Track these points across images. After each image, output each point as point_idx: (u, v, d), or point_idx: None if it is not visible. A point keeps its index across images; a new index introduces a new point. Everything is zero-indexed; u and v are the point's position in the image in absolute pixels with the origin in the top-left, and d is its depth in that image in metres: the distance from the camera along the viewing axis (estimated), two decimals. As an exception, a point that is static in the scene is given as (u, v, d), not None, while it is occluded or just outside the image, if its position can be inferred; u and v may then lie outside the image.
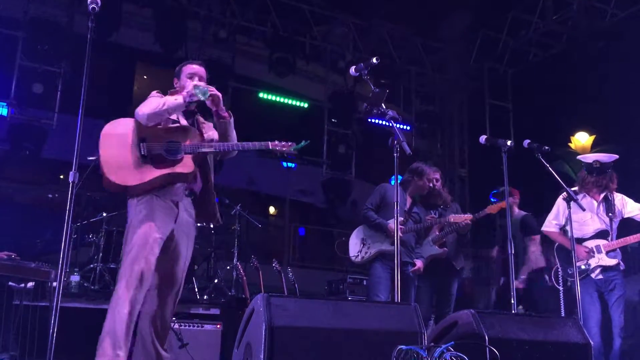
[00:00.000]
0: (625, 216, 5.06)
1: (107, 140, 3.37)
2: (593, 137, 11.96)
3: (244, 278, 6.18)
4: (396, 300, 3.14)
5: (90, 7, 3.06)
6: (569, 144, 12.32)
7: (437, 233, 5.35)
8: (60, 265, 2.74)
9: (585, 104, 9.24)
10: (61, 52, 7.87)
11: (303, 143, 3.61)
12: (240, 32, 9.69)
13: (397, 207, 3.41)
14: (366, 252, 5.03)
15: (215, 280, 6.85)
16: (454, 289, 5.52)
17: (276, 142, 3.64)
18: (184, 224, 3.49)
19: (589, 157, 5.16)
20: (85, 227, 6.49)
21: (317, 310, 2.63)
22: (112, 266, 6.19)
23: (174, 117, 3.54)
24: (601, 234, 4.93)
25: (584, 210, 4.66)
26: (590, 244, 4.89)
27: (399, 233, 4.81)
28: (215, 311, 5.85)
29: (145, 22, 8.85)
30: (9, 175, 8.28)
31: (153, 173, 3.34)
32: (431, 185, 5.24)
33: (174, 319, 5.02)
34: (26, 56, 7.78)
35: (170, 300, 3.45)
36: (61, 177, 9.23)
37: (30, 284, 4.39)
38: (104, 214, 6.49)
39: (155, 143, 3.42)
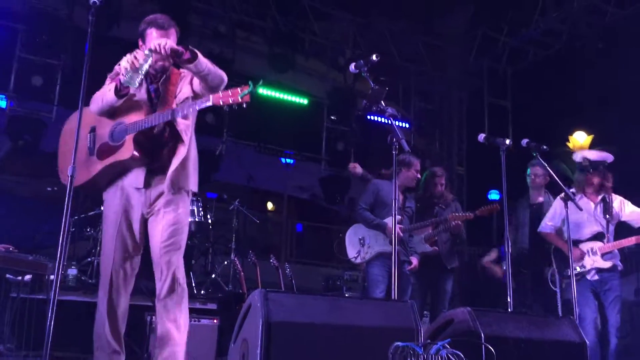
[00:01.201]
0: (623, 219, 5.05)
1: (63, 139, 3.28)
2: (591, 136, 11.96)
3: (242, 273, 6.19)
4: (393, 297, 3.15)
5: (91, 0, 3.05)
6: (567, 144, 12.33)
7: (430, 231, 5.35)
8: (58, 259, 2.74)
9: (584, 103, 9.25)
10: (61, 45, 7.86)
11: (250, 88, 2.94)
12: (240, 27, 9.67)
13: (394, 205, 3.42)
14: (366, 253, 5.00)
15: (213, 275, 6.86)
16: (449, 286, 5.50)
17: (219, 94, 2.99)
18: (160, 203, 3.20)
19: (578, 155, 5.17)
20: (83, 220, 6.49)
21: (314, 306, 2.64)
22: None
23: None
24: (597, 236, 4.91)
25: (581, 210, 4.66)
26: (586, 246, 4.89)
27: (399, 233, 4.85)
28: (212, 306, 5.86)
29: (144, 16, 8.82)
30: (8, 168, 8.27)
31: (96, 166, 3.17)
32: (419, 176, 5.23)
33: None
34: (25, 48, 7.75)
35: None
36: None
37: (27, 277, 4.39)
38: (102, 208, 6.47)
39: (104, 129, 3.24)
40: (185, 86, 3.33)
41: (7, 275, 4.25)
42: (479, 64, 10.71)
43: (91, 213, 6.52)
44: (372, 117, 9.84)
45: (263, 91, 9.65)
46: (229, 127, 8.97)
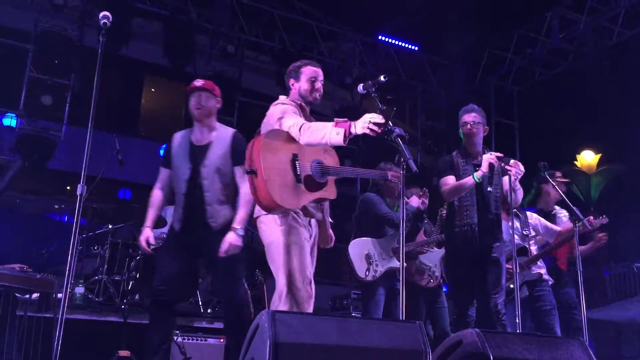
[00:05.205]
0: (541, 235, 5.07)
1: (266, 155, 3.19)
2: (599, 155, 11.96)
3: (248, 292, 6.16)
4: (401, 318, 3.13)
5: (102, 22, 3.07)
6: (575, 162, 12.31)
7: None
8: (66, 277, 2.75)
9: (591, 122, 9.27)
10: (70, 65, 7.97)
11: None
12: (248, 47, 9.79)
13: (402, 224, 3.40)
14: (375, 271, 4.97)
15: (220, 294, 6.84)
16: (445, 300, 5.41)
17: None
18: (314, 241, 3.50)
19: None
20: (91, 238, 6.51)
21: (321, 327, 2.63)
22: (116, 278, 6.19)
23: None
24: (520, 252, 4.85)
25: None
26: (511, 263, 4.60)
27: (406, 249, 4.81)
28: (219, 325, 5.84)
29: (154, 36, 8.95)
30: (17, 186, 8.35)
31: (307, 196, 3.28)
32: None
33: (177, 332, 5.02)
34: (36, 68, 7.87)
35: None
36: (68, 188, 9.28)
37: (35, 295, 4.40)
38: (110, 226, 6.50)
39: (305, 161, 3.33)
40: None
41: (15, 294, 4.26)
42: (485, 82, 10.76)
43: (99, 231, 6.55)
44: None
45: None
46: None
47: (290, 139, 3.30)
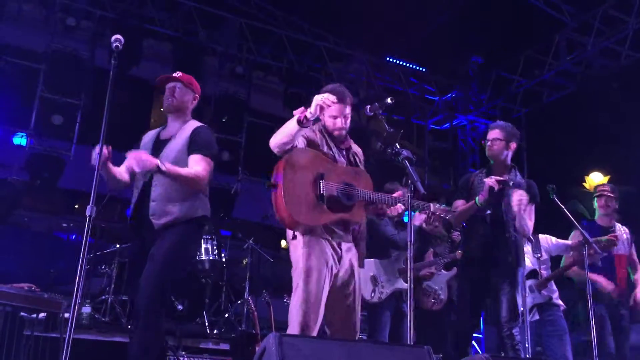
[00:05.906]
0: (554, 254, 5.09)
1: (289, 171, 3.26)
2: (607, 177, 11.89)
3: (255, 313, 6.14)
4: (409, 342, 3.10)
5: (114, 45, 3.12)
6: (583, 184, 12.25)
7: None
8: (74, 297, 2.75)
9: (599, 144, 9.23)
10: (81, 85, 8.04)
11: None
12: (256, 68, 9.86)
13: (410, 246, 3.38)
14: (381, 292, 4.93)
15: (226, 315, 6.81)
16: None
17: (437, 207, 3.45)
18: (347, 265, 3.40)
19: None
20: (98, 257, 6.51)
21: (329, 351, 2.61)
22: (123, 298, 6.19)
23: (327, 150, 3.49)
24: (531, 274, 4.90)
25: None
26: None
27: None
28: (225, 346, 5.81)
29: (164, 57, 9.03)
30: (26, 204, 8.38)
31: (327, 216, 3.28)
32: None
33: (183, 353, 5.01)
34: (47, 88, 7.94)
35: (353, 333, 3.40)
36: (76, 206, 9.31)
37: (42, 315, 4.39)
38: (118, 246, 6.51)
39: (332, 182, 3.34)
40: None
41: (22, 313, 4.25)
42: (493, 104, 10.77)
43: (106, 250, 6.55)
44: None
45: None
46: (244, 165, 9.04)
47: (318, 158, 3.37)
